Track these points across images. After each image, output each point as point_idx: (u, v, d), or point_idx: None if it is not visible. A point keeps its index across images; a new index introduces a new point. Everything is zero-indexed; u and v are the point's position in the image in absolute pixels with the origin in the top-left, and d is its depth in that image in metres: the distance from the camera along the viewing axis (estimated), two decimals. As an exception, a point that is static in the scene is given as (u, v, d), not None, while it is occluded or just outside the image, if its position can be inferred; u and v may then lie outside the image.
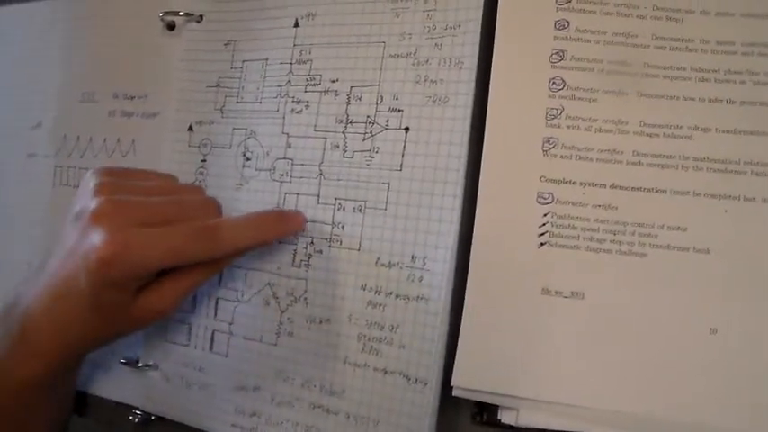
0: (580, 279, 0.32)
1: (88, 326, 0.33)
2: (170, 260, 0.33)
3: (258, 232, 0.35)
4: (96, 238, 0.31)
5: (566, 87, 0.33)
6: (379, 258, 0.35)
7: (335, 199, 0.36)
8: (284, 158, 0.38)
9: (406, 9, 0.36)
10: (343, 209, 0.36)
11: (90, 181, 0.34)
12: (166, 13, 0.43)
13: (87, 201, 0.33)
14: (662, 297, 0.31)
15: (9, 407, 0.35)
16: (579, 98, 0.33)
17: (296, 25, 0.39)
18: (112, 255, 0.30)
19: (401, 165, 0.35)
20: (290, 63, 0.38)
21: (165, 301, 0.34)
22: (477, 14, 0.34)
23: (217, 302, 0.39)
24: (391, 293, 0.34)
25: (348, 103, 0.37)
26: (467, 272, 0.33)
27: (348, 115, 0.36)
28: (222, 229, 0.34)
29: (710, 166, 0.31)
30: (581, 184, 0.32)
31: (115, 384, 0.42)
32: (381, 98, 0.36)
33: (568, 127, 0.32)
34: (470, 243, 0.33)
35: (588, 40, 0.33)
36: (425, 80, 0.35)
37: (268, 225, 0.36)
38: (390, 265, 0.34)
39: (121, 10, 0.45)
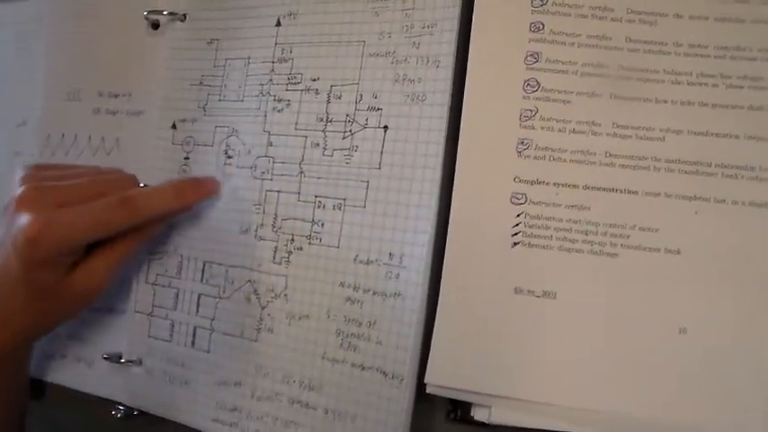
0: (552, 279, 0.32)
1: (29, 311, 0.35)
2: (92, 233, 0.34)
3: (173, 197, 0.37)
4: (22, 220, 0.33)
5: (540, 89, 0.33)
6: (357, 256, 0.35)
7: (316, 197, 0.37)
8: (265, 156, 0.38)
9: (385, 8, 0.36)
10: (323, 206, 0.36)
11: (17, 175, 0.36)
12: (151, 12, 0.43)
13: (14, 191, 0.34)
14: (633, 297, 0.31)
15: None
16: (553, 100, 0.33)
17: (278, 24, 0.39)
18: (37, 233, 0.32)
19: (380, 163, 0.35)
20: (272, 62, 0.39)
21: (98, 274, 0.36)
22: (454, 13, 0.34)
23: (199, 298, 0.40)
24: (369, 290, 0.35)
25: (328, 102, 0.37)
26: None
27: (328, 114, 0.37)
28: (137, 198, 0.36)
29: (682, 167, 0.32)
30: (554, 184, 0.33)
31: (98, 380, 0.42)
32: (361, 97, 0.36)
33: (542, 128, 0.33)
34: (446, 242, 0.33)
35: (563, 43, 0.33)
36: (404, 79, 0.35)
37: (181, 190, 0.38)
38: (368, 262, 0.35)
39: (106, 9, 0.45)
